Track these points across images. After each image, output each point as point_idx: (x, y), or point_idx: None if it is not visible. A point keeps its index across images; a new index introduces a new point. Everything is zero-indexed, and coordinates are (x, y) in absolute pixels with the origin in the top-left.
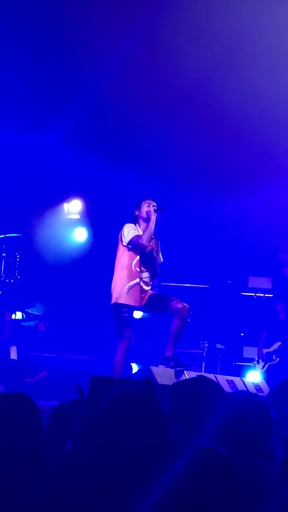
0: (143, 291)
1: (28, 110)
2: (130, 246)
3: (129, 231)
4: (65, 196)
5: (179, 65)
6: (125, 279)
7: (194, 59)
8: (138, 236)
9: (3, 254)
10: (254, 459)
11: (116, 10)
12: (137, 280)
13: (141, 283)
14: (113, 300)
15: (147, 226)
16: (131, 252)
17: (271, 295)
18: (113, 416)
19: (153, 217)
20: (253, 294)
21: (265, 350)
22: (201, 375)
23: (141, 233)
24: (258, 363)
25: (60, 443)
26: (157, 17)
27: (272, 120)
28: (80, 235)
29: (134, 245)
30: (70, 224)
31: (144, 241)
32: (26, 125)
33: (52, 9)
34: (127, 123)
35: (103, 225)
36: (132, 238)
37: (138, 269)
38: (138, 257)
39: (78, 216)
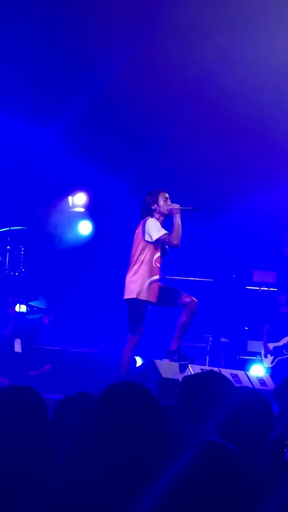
0: (160, 287)
1: (31, 104)
2: (156, 243)
3: (158, 229)
4: (69, 189)
5: (181, 65)
6: (146, 275)
7: (193, 59)
8: (168, 236)
9: (8, 247)
10: (256, 454)
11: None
12: (158, 276)
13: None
14: (133, 295)
15: (173, 226)
16: (153, 248)
17: (276, 289)
18: (107, 408)
19: (178, 216)
20: (258, 288)
21: (273, 344)
22: (212, 370)
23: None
24: (266, 357)
25: (65, 437)
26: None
27: (276, 114)
28: (84, 228)
29: (163, 243)
30: (74, 217)
31: (175, 241)
32: (30, 119)
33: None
34: (132, 115)
35: (108, 218)
36: (162, 236)
37: (158, 265)
38: (159, 253)
39: (82, 209)
